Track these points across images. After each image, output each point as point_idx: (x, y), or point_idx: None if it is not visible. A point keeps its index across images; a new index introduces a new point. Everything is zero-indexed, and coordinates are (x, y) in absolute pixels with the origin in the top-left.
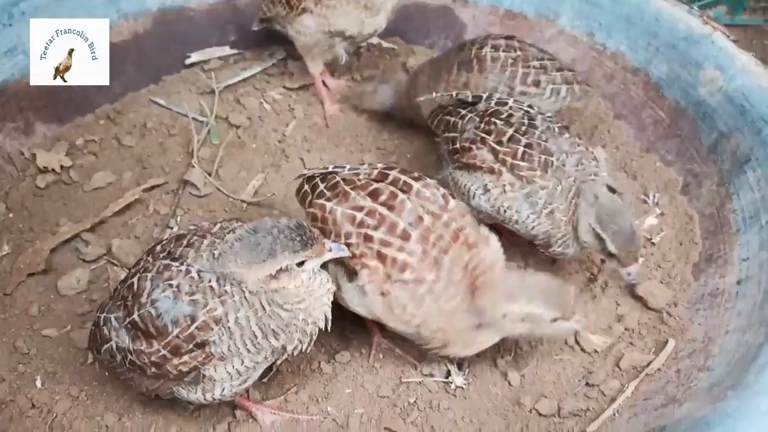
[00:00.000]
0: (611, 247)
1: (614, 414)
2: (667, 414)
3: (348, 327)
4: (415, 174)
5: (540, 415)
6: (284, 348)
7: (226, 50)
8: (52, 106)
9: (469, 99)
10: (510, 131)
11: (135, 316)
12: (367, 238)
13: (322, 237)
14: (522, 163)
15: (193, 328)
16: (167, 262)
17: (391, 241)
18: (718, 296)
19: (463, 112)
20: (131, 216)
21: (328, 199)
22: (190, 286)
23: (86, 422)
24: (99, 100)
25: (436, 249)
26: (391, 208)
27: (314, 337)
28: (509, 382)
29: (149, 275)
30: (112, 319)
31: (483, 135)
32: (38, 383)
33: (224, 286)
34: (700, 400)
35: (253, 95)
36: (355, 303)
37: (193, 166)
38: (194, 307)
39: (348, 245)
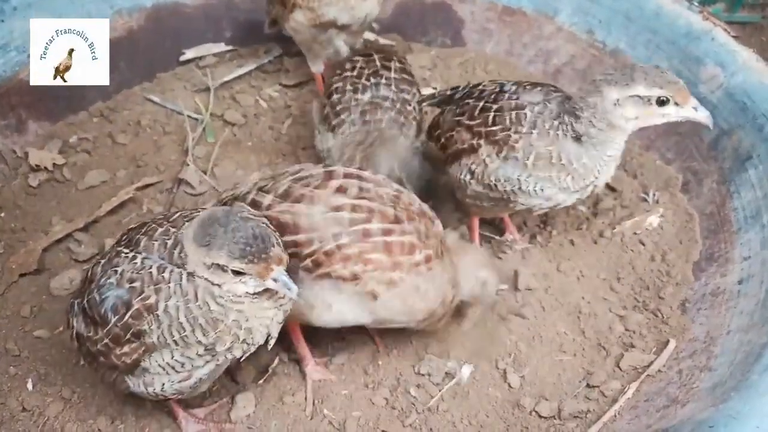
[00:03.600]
0: None
1: (615, 415)
2: (669, 415)
3: (344, 328)
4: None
5: (540, 417)
6: (215, 348)
7: (222, 47)
8: (44, 104)
9: (448, 92)
10: (481, 104)
11: (85, 301)
12: (366, 234)
13: (278, 263)
14: (495, 128)
15: (127, 316)
16: (120, 249)
17: (391, 228)
18: (719, 295)
19: (445, 108)
20: (125, 215)
21: (295, 202)
22: (132, 272)
23: (78, 425)
24: (92, 98)
25: (421, 223)
26: (369, 199)
27: (250, 348)
28: (509, 384)
29: (102, 262)
30: (75, 304)
31: (458, 118)
32: (29, 385)
33: (163, 272)
34: (702, 401)
35: (249, 92)
36: (353, 314)
37: (188, 165)
38: (131, 294)
39: (339, 247)
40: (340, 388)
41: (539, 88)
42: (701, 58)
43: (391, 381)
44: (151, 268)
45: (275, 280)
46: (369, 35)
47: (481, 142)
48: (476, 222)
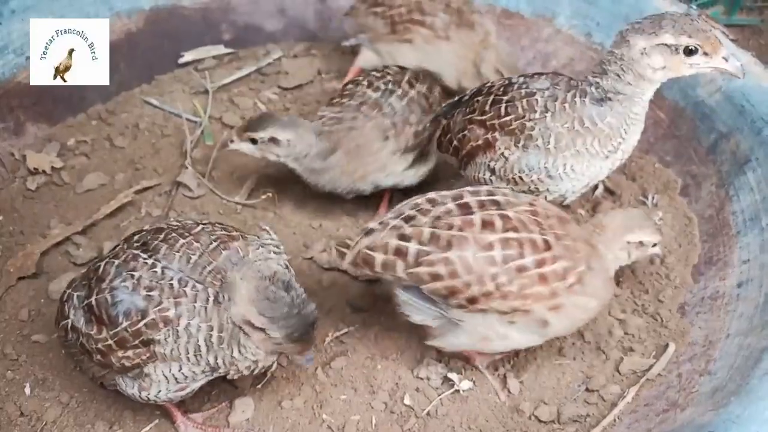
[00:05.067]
0: None
1: (615, 420)
2: (669, 420)
3: (344, 332)
4: (484, 186)
5: (540, 421)
6: (220, 369)
7: (221, 49)
8: (42, 106)
9: (456, 99)
10: (491, 98)
11: (93, 299)
12: (520, 269)
13: (313, 343)
14: (508, 117)
15: (141, 324)
16: (137, 252)
17: (543, 258)
18: (718, 299)
19: (455, 112)
20: (123, 218)
21: (445, 249)
22: (151, 280)
23: (76, 430)
24: (91, 100)
25: (567, 235)
26: (515, 229)
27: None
28: (508, 389)
29: (116, 262)
30: (75, 297)
31: (470, 116)
32: (27, 390)
33: (184, 287)
34: (702, 406)
35: (248, 95)
36: (526, 339)
37: (187, 168)
38: (148, 302)
39: (497, 287)
40: (339, 392)
41: (545, 76)
42: None
43: (390, 385)
44: (171, 279)
45: (302, 356)
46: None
47: (496, 135)
48: None
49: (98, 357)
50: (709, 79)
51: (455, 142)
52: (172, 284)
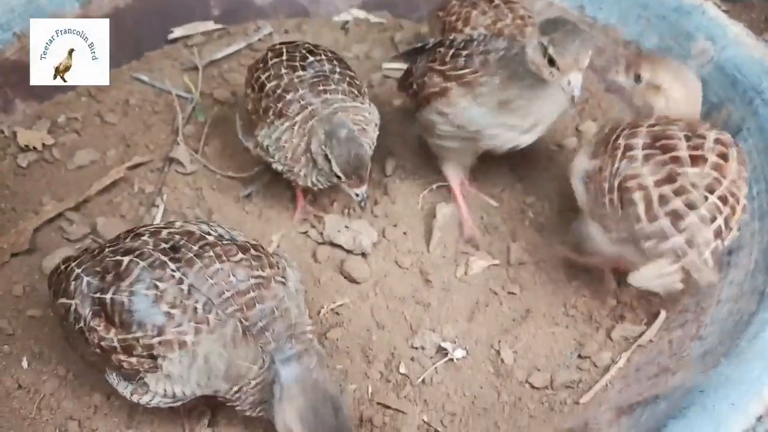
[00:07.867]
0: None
1: (607, 385)
2: (660, 383)
3: (339, 304)
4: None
5: (533, 387)
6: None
7: (210, 25)
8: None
9: (418, 45)
10: (452, 51)
11: (108, 296)
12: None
13: None
14: (464, 71)
15: (155, 340)
16: (166, 260)
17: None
18: None
19: (417, 58)
20: (116, 194)
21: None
22: (175, 297)
23: (75, 402)
24: None
25: None
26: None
27: None
28: (502, 356)
29: (142, 264)
30: (85, 281)
31: (430, 64)
32: (24, 364)
33: (208, 313)
34: (692, 369)
35: (238, 71)
36: None
37: (179, 144)
38: (167, 320)
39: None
40: (335, 362)
41: (502, 38)
42: (692, 32)
43: (385, 355)
44: (197, 302)
45: None
46: (359, 13)
47: (452, 84)
48: (459, 193)
49: (97, 350)
50: (701, 50)
51: (415, 86)
52: (196, 308)
